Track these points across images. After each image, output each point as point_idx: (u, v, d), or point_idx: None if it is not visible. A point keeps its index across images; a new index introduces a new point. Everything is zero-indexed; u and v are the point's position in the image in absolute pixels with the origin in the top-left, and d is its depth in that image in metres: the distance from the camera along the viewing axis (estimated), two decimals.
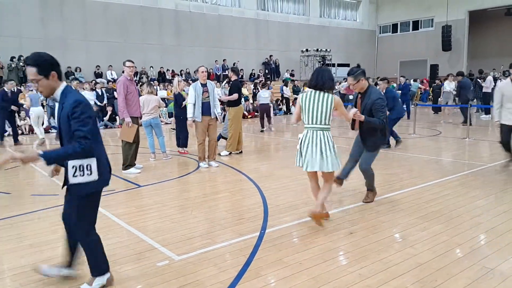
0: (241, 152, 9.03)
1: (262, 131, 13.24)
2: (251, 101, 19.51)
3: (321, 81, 4.21)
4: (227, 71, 20.98)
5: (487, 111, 16.72)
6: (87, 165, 2.79)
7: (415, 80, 22.72)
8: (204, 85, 7.37)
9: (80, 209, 2.89)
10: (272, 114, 14.12)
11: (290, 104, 21.07)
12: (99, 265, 3.03)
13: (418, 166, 7.46)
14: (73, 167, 2.78)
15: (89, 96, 11.86)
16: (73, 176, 2.79)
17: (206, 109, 7.34)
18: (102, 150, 2.94)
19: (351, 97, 16.71)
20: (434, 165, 7.59)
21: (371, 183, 5.21)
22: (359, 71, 4.81)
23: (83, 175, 2.79)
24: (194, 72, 21.56)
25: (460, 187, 5.89)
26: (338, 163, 4.28)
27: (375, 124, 4.77)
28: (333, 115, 4.27)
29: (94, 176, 2.82)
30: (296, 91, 21.98)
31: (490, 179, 6.30)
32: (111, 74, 19.00)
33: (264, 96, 13.25)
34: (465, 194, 5.51)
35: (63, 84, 2.88)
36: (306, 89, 19.47)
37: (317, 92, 4.23)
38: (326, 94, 4.21)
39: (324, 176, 4.41)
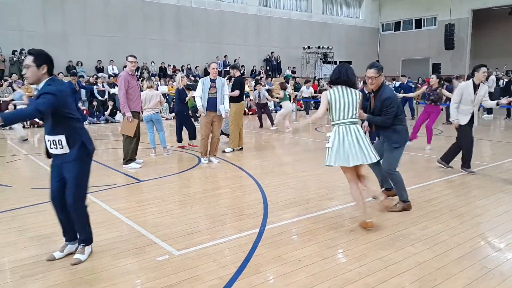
0: (242, 148, 9.03)
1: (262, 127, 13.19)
2: (251, 97, 19.49)
3: (346, 76, 4.12)
4: (228, 67, 20.97)
5: (489, 111, 16.71)
6: (58, 140, 3.28)
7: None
8: (213, 81, 7.38)
9: (78, 175, 3.35)
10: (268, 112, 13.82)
11: (291, 101, 21.03)
12: (90, 234, 3.53)
13: (419, 165, 7.46)
14: (48, 141, 3.33)
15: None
16: (50, 148, 3.34)
17: (211, 104, 7.34)
18: (74, 131, 3.32)
19: None
20: (435, 164, 7.58)
21: (400, 191, 4.74)
22: (381, 66, 4.61)
23: (57, 148, 3.31)
24: (196, 67, 21.62)
25: (461, 187, 5.88)
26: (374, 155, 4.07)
27: (377, 122, 4.59)
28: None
29: (66, 150, 3.30)
30: (297, 88, 21.95)
31: (491, 179, 6.29)
32: (112, 68, 18.99)
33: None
34: (465, 194, 5.50)
35: (49, 77, 3.27)
36: (303, 89, 19.47)
37: (343, 87, 4.14)
38: (352, 90, 4.14)
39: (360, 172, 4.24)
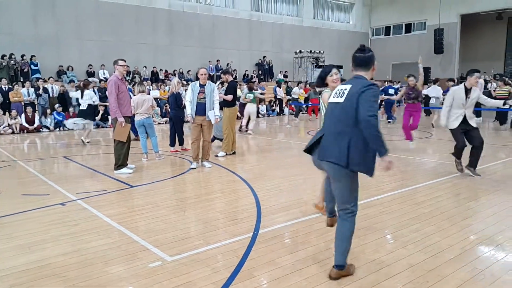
0: (234, 152, 9.03)
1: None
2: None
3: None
4: (220, 72, 21.00)
5: (478, 114, 16.89)
6: None
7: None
8: (202, 86, 7.38)
9: None
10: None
11: (283, 105, 21.11)
12: None
13: (410, 167, 7.51)
14: None
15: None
16: None
17: (200, 109, 7.34)
18: None
19: None
20: (426, 166, 7.65)
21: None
22: None
23: None
24: (188, 72, 21.60)
25: (451, 189, 5.94)
26: None
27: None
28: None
29: None
30: (289, 92, 22.07)
31: (481, 181, 6.35)
32: (104, 73, 18.86)
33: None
34: (456, 196, 5.55)
35: None
36: (294, 89, 19.52)
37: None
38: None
39: None
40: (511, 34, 28.30)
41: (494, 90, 15.94)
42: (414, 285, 3.06)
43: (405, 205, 5.13)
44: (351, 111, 2.91)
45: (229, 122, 8.71)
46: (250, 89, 12.67)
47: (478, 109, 16.05)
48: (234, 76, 22.02)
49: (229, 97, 8.65)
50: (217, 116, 7.53)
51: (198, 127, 7.46)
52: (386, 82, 17.67)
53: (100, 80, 17.68)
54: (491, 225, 4.38)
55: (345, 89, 3.04)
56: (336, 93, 3.15)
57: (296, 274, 3.25)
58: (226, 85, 9.15)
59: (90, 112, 11.15)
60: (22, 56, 17.12)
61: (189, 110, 7.38)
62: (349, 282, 3.11)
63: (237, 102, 9.36)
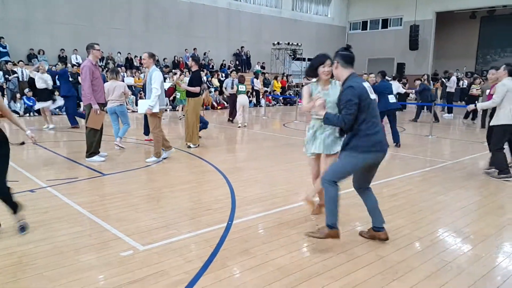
0: (190, 147, 8.54)
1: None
2: (210, 89, 19.13)
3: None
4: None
5: (450, 110, 17.35)
6: None
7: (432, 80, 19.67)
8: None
9: None
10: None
11: (260, 97, 21.08)
12: None
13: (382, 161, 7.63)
14: None
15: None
16: None
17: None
18: None
19: None
20: (398, 161, 7.80)
21: (328, 211, 3.58)
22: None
23: None
24: (164, 59, 21.24)
25: (422, 183, 6.09)
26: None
27: (332, 122, 3.53)
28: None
29: None
30: (266, 83, 22.07)
31: (450, 176, 6.54)
32: (76, 58, 18.35)
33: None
34: (426, 190, 5.69)
35: None
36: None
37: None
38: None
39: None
40: (483, 33, 29.14)
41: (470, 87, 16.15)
42: (383, 276, 3.13)
43: (378, 197, 5.16)
44: None
45: (193, 112, 8.36)
46: (241, 82, 12.63)
47: (450, 105, 16.50)
48: (211, 66, 21.85)
49: (197, 89, 8.25)
50: (150, 107, 6.84)
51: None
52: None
53: (73, 65, 17.17)
54: (459, 218, 4.53)
55: (369, 86, 3.56)
56: (368, 89, 3.51)
57: (269, 264, 3.27)
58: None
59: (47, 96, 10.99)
60: None
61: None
62: (322, 272, 3.15)
63: (212, 92, 9.15)
